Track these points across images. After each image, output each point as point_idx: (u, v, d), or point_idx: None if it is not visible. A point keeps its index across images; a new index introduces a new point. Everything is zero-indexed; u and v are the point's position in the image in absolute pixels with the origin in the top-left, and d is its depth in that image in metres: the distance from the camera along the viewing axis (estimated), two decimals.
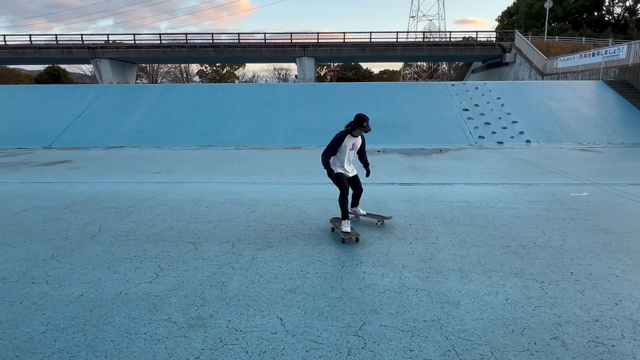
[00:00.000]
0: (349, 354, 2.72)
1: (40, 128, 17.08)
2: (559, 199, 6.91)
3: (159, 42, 40.28)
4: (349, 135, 4.93)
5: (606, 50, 22.11)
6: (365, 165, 5.49)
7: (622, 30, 45.66)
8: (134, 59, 41.67)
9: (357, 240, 4.84)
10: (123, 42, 41.19)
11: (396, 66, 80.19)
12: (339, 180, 4.98)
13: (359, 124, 4.81)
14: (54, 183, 8.65)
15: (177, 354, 2.71)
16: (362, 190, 5.43)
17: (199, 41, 40.16)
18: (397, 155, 12.87)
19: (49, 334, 2.94)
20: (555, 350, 2.76)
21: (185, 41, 39.96)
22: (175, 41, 40.31)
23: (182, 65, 67.72)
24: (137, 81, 56.16)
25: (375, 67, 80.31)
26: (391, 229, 5.35)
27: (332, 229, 5.21)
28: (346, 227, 4.90)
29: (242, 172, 9.81)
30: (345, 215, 4.96)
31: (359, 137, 5.05)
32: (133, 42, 40.25)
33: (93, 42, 39.88)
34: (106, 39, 41.11)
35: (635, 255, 4.42)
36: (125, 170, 10.39)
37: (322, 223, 5.60)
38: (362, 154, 5.34)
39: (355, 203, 5.53)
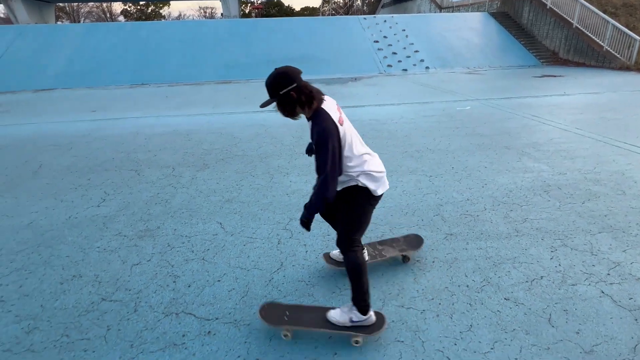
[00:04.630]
0: (279, 243, 2.91)
1: None
2: (448, 113, 7.40)
3: None
4: (323, 112, 1.81)
5: None
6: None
7: None
8: None
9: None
10: None
11: (316, 3, 76.08)
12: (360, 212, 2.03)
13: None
14: None
15: (130, 259, 2.73)
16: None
17: None
18: (318, 84, 12.61)
19: (3, 257, 2.79)
20: (437, 223, 3.16)
21: None
22: None
23: (104, 4, 58.58)
24: (58, 22, 48.04)
25: (297, 5, 75.70)
26: None
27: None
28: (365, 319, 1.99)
29: (177, 106, 9.21)
30: (365, 307, 1.97)
31: (334, 101, 1.94)
32: None
33: None
34: None
35: (500, 151, 4.98)
36: (59, 110, 9.28)
37: (254, 145, 5.57)
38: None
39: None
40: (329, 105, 1.84)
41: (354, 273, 1.96)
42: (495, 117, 6.90)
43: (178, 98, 10.72)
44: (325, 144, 1.73)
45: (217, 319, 2.12)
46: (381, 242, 2.72)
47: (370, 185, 1.91)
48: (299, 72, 1.81)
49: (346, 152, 1.85)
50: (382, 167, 1.97)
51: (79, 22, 55.06)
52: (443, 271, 2.49)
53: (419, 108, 7.97)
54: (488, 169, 4.34)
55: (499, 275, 2.43)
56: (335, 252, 2.55)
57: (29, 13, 33.18)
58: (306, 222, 1.91)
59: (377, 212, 3.31)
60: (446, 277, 2.43)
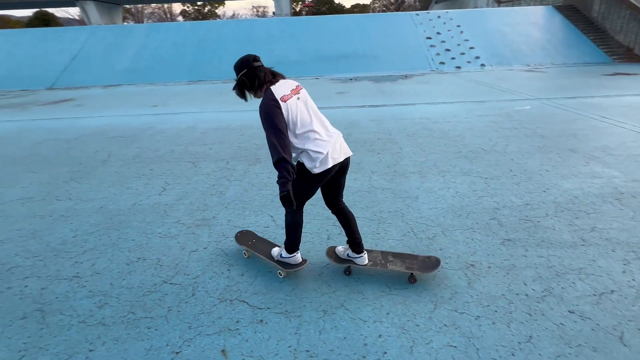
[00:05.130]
0: (328, 239, 2.93)
1: (40, 70, 15.95)
2: (505, 112, 7.03)
3: None
4: (269, 91, 2.05)
5: None
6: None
7: None
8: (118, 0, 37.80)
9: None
10: None
11: (366, 0, 75.25)
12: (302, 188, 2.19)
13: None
14: (61, 119, 8.32)
15: (188, 246, 2.88)
16: (352, 215, 2.44)
17: None
18: (367, 82, 12.60)
19: (79, 237, 3.07)
20: (493, 227, 3.02)
21: None
22: None
23: (165, 5, 62.07)
24: (124, 22, 51.61)
25: (347, 2, 75.35)
26: (362, 143, 5.45)
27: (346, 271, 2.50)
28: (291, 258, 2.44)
29: (230, 103, 9.54)
30: (291, 248, 2.42)
31: (294, 84, 2.20)
32: None
33: None
34: None
35: (564, 153, 4.65)
36: (125, 105, 10.00)
37: None
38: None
39: (354, 241, 2.42)
40: (281, 85, 2.08)
41: (289, 227, 2.35)
42: (558, 117, 6.45)
43: (231, 94, 11.08)
44: (264, 117, 2.00)
45: (268, 308, 2.18)
46: (396, 255, 2.53)
47: (307, 164, 2.09)
48: (252, 59, 2.10)
49: (290, 129, 2.06)
50: (324, 148, 2.07)
51: (143, 22, 58.79)
52: (499, 278, 2.38)
53: (473, 107, 7.64)
54: (550, 173, 4.06)
55: (562, 286, 2.27)
56: (340, 249, 2.55)
57: (100, 14, 35.94)
58: (286, 195, 1.92)
59: (429, 213, 3.25)
60: (503, 284, 2.31)
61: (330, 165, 2.09)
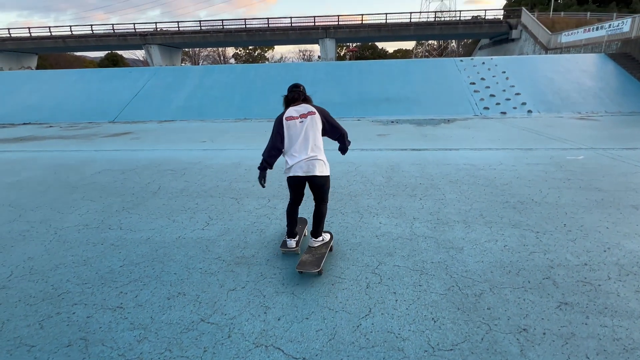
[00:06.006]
0: (367, 287, 2.83)
1: (105, 105, 17.50)
2: (556, 161, 6.70)
3: (199, 28, 39.72)
4: (285, 110, 3.10)
5: (610, 24, 20.50)
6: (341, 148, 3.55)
7: (627, 4, 41.93)
8: (178, 44, 41.42)
9: (319, 273, 2.97)
10: (169, 29, 40.91)
11: (409, 45, 77.32)
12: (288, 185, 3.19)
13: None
14: (120, 150, 8.97)
15: (227, 284, 2.89)
16: (323, 213, 3.23)
17: (234, 26, 39.39)
18: (408, 125, 12.62)
19: (125, 267, 3.18)
20: (547, 287, 2.79)
21: (221, 27, 39.25)
22: (213, 27, 39.65)
23: (219, 48, 67.10)
24: (182, 64, 56.11)
25: (390, 47, 77.80)
26: (403, 187, 5.36)
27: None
28: (291, 243, 3.32)
29: None
30: (288, 233, 3.34)
31: (307, 109, 3.05)
32: (177, 29, 39.87)
33: (144, 30, 39.72)
34: (155, 27, 40.85)
35: (625, 210, 4.30)
36: (177, 139, 10.63)
37: (344, 182, 5.65)
38: (334, 133, 3.30)
39: (312, 229, 3.26)
40: (296, 108, 3.03)
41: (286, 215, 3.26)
42: (616, 169, 6.04)
43: None
44: (273, 126, 3.05)
45: (304, 359, 2.10)
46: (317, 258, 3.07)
47: (284, 167, 3.06)
48: (294, 86, 3.18)
49: (284, 140, 3.01)
50: (291, 161, 2.99)
51: (199, 64, 63.66)
52: (557, 347, 2.16)
53: (520, 154, 7.37)
54: (611, 231, 3.75)
55: None
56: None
57: (162, 56, 39.56)
58: (258, 177, 3.08)
59: (475, 267, 3.07)
60: (562, 355, 2.09)
61: (290, 174, 3.02)
